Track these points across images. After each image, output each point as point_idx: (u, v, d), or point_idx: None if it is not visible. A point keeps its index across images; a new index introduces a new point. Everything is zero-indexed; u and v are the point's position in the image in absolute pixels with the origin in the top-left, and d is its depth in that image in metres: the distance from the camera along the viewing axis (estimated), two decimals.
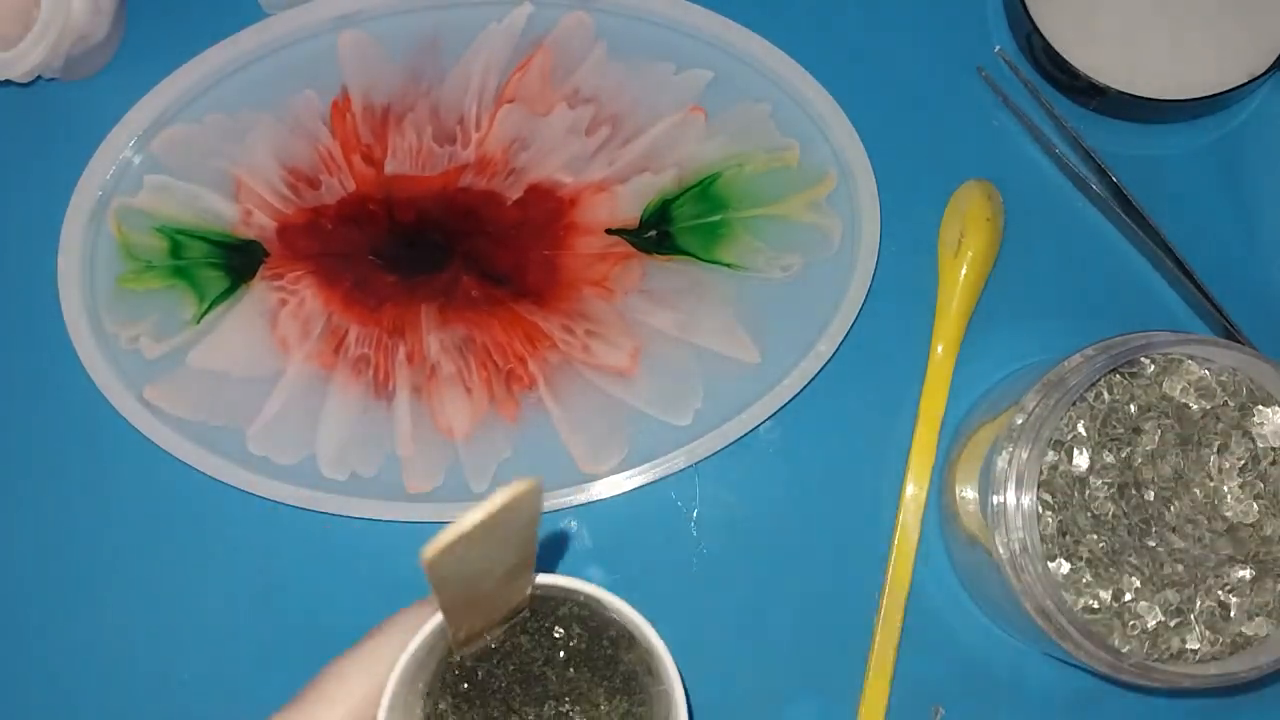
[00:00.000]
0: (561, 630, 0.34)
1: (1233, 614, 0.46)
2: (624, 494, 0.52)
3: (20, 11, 0.51)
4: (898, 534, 0.52)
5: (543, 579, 0.32)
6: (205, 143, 0.54)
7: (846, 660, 0.52)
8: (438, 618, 0.31)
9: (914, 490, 0.53)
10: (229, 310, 0.53)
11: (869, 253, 0.53)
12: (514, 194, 0.54)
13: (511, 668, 0.33)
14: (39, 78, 0.53)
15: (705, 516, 0.53)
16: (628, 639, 0.34)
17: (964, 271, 0.53)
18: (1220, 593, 0.47)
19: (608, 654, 0.34)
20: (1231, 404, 0.48)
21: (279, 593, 0.53)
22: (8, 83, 0.52)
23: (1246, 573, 0.46)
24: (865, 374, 0.54)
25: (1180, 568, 0.47)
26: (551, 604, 0.34)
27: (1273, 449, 0.47)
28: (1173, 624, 0.46)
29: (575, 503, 0.52)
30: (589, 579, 0.52)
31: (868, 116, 0.54)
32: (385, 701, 0.30)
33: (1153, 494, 0.47)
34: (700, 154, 0.54)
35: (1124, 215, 0.54)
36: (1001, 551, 0.45)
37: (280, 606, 0.52)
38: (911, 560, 0.52)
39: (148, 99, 0.54)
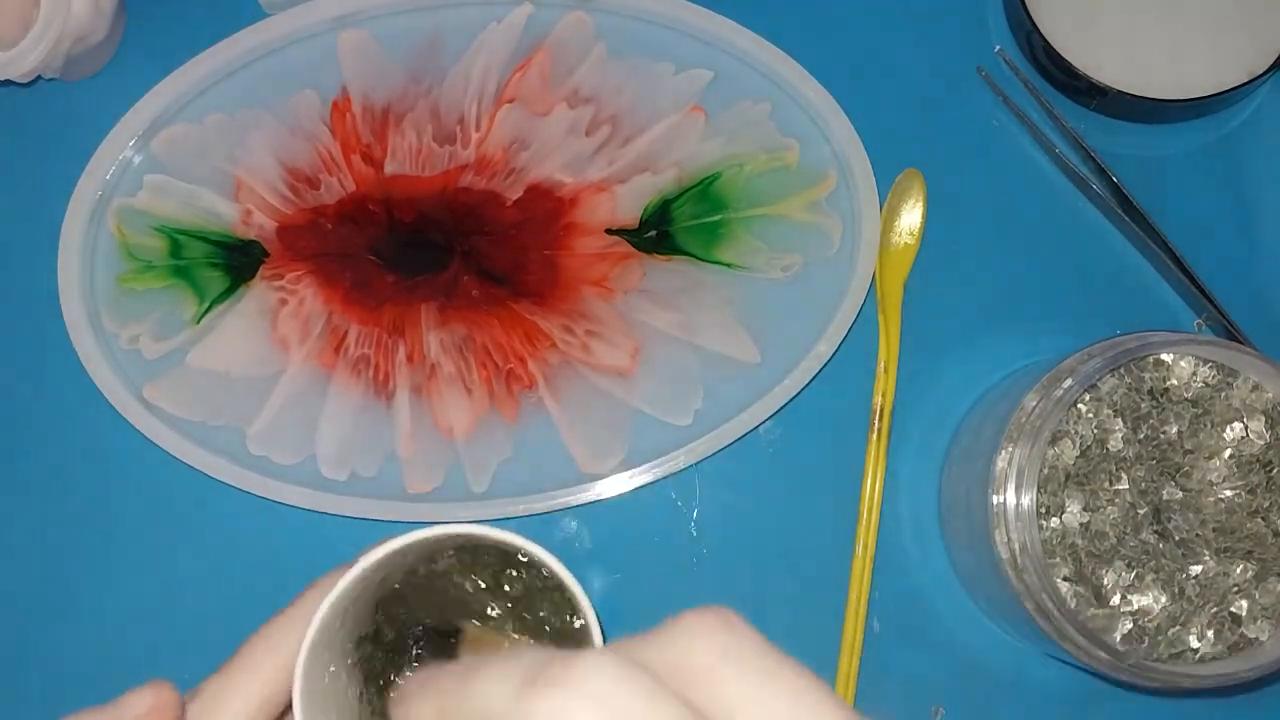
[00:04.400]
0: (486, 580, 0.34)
1: (1244, 616, 0.46)
2: (624, 494, 0.52)
3: (20, 11, 0.51)
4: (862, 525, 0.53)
5: (469, 529, 0.32)
6: (205, 143, 0.54)
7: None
8: (354, 572, 0.31)
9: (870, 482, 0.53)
10: (229, 310, 0.53)
11: (869, 253, 0.53)
12: (514, 194, 0.54)
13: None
14: (39, 78, 0.53)
15: (705, 516, 0.53)
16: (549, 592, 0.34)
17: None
18: (1229, 595, 0.47)
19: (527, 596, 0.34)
20: (1231, 404, 0.48)
21: (279, 593, 0.52)
22: (8, 83, 0.52)
23: (1249, 571, 0.46)
24: (865, 374, 0.54)
25: (1181, 566, 0.47)
26: (479, 554, 0.34)
27: (1272, 447, 0.47)
28: (1173, 624, 0.46)
29: (575, 503, 0.52)
30: (589, 579, 0.53)
31: (868, 116, 0.54)
32: (302, 657, 0.30)
33: (1152, 494, 0.47)
34: (700, 154, 0.54)
35: (1124, 215, 0.54)
36: (1001, 551, 0.45)
37: (280, 606, 0.52)
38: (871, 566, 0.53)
39: (148, 99, 0.54)
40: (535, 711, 0.20)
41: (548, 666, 0.20)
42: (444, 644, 0.35)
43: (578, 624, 0.34)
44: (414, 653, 0.34)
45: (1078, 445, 0.47)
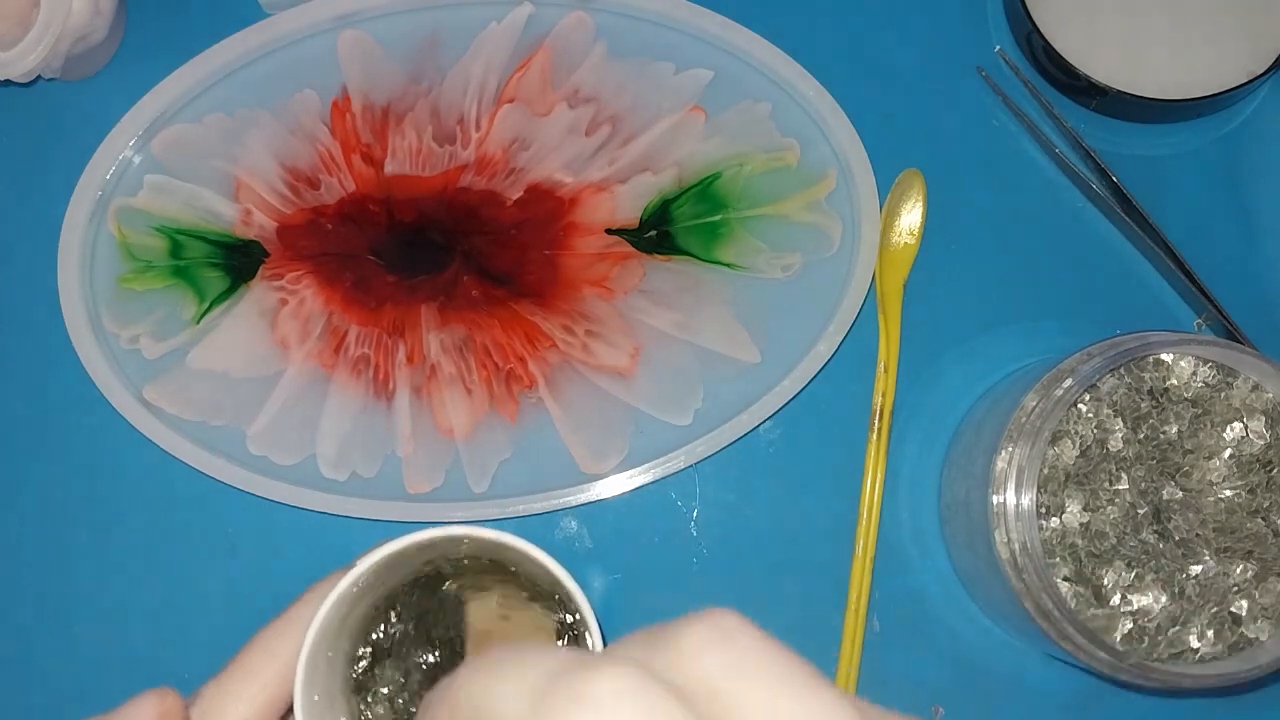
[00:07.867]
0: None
1: (1244, 616, 0.46)
2: (624, 494, 0.52)
3: (20, 11, 0.51)
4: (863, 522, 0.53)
5: (466, 531, 0.32)
6: (205, 143, 0.54)
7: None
8: (351, 576, 0.32)
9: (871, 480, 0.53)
10: (229, 310, 0.53)
11: (869, 253, 0.53)
12: (514, 194, 0.54)
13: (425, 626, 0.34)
14: (39, 78, 0.53)
15: (705, 516, 0.53)
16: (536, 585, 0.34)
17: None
18: (1229, 595, 0.47)
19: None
20: (1231, 404, 0.48)
21: (279, 594, 0.52)
22: (8, 83, 0.52)
23: (1249, 571, 0.46)
24: (865, 374, 0.54)
25: (1181, 566, 0.47)
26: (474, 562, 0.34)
27: (1272, 447, 0.47)
28: (1173, 624, 0.46)
29: (575, 503, 0.52)
30: (589, 579, 0.53)
31: (868, 116, 0.54)
32: (303, 660, 0.30)
33: (1152, 494, 0.47)
34: (700, 154, 0.54)
35: (1124, 215, 0.54)
36: (1001, 551, 0.45)
37: (280, 607, 0.52)
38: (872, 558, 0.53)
39: (148, 99, 0.54)
40: None
41: (566, 677, 0.19)
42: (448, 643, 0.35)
43: (569, 619, 0.34)
44: (418, 656, 0.34)
45: (1078, 445, 0.47)
